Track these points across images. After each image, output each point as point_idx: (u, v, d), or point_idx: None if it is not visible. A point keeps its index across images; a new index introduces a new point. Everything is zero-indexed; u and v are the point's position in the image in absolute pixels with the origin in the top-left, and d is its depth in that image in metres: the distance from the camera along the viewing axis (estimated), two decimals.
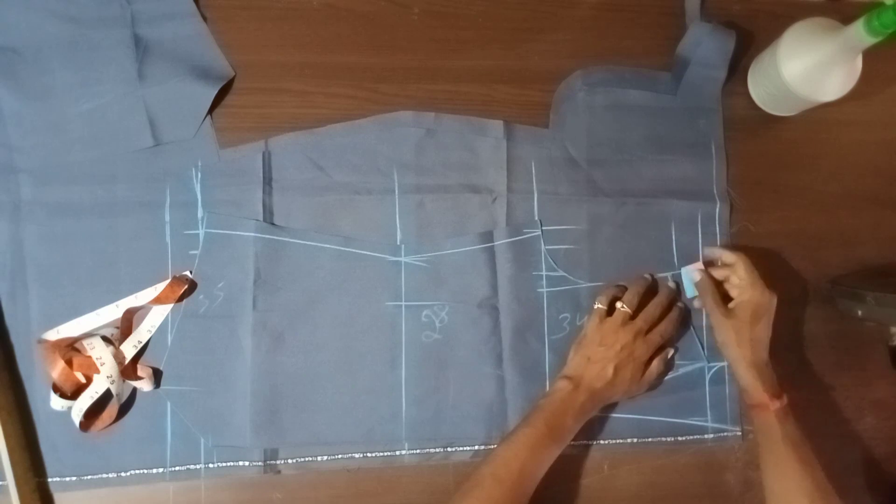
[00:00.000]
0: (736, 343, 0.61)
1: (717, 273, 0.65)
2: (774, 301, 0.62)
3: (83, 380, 0.60)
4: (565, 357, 0.64)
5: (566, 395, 0.60)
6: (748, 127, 0.71)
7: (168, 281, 0.62)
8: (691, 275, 0.66)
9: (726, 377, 0.67)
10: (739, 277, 0.63)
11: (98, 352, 0.59)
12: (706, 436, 0.67)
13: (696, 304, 0.67)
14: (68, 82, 0.62)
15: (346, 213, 0.65)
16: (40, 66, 0.62)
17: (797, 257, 0.70)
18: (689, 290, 0.67)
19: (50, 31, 0.63)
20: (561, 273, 0.66)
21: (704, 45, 0.66)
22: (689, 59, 0.67)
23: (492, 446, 0.64)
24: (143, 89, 0.62)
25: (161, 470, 0.61)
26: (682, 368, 0.67)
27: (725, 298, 0.64)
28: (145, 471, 0.61)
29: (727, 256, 0.65)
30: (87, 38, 0.63)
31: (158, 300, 0.61)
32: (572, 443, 0.65)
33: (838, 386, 0.70)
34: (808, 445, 0.59)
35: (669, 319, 0.64)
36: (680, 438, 0.67)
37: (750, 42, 0.70)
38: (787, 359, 0.69)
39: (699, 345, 0.68)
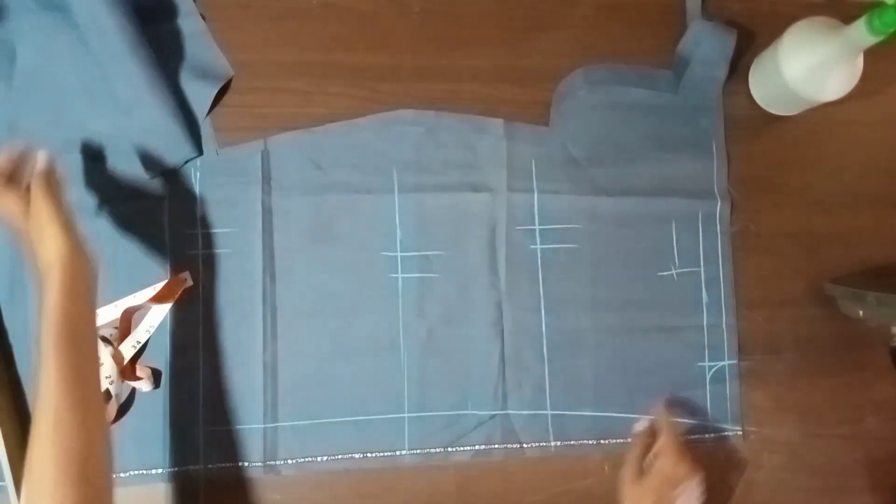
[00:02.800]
0: None
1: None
2: (691, 478, 0.57)
3: None
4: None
5: None
6: (749, 126, 0.70)
7: (167, 280, 0.61)
8: (636, 427, 0.64)
9: (726, 377, 0.67)
10: (659, 444, 0.60)
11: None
12: (706, 435, 0.67)
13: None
14: (67, 82, 0.62)
15: (345, 212, 0.65)
16: (41, 67, 0.62)
17: (798, 257, 0.70)
18: None
19: (52, 31, 0.62)
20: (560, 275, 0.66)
21: (705, 44, 0.66)
22: (689, 57, 0.67)
23: (494, 446, 0.64)
24: (141, 89, 0.62)
25: (160, 470, 0.61)
26: (683, 368, 0.67)
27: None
28: (144, 471, 0.61)
29: (660, 423, 0.61)
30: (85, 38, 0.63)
31: (157, 299, 0.61)
32: (573, 442, 0.65)
33: (839, 386, 0.70)
34: None
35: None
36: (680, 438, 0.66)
37: (751, 41, 0.70)
38: (788, 359, 0.69)
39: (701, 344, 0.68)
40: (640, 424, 0.63)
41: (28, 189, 0.50)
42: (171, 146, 0.61)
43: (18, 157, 0.51)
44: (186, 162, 0.63)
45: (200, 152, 0.62)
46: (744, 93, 0.71)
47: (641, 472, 0.59)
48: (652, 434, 0.62)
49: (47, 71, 0.62)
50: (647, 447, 0.61)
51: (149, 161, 0.62)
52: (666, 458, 0.59)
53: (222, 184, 0.63)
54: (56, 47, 0.62)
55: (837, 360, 0.70)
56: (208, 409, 0.62)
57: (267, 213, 0.64)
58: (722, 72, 0.67)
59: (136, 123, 0.61)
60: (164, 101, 0.61)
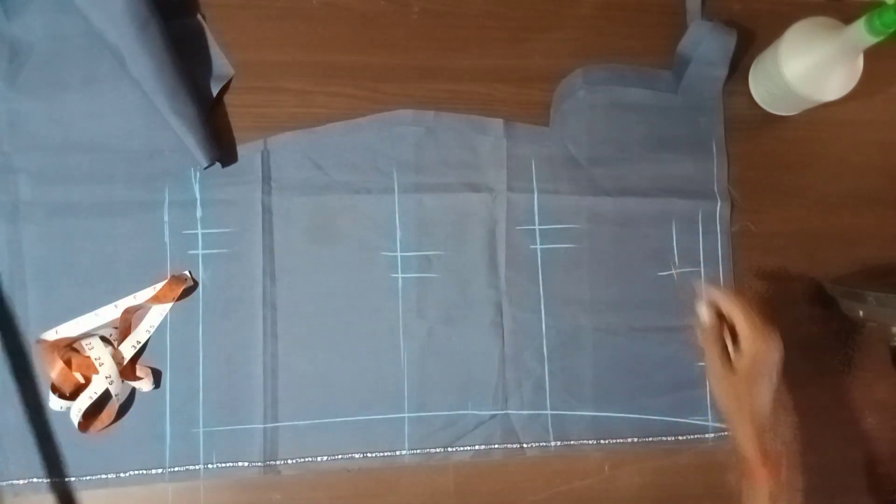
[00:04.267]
0: (736, 405, 0.55)
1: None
2: (777, 350, 0.54)
3: (82, 380, 0.59)
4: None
5: None
6: (749, 126, 0.70)
7: (167, 280, 0.61)
8: (701, 314, 0.58)
9: None
10: (738, 327, 0.55)
11: (97, 352, 0.59)
12: (707, 435, 0.67)
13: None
14: (68, 81, 0.62)
15: (345, 212, 0.65)
16: (42, 66, 0.62)
17: (798, 257, 0.70)
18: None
19: (55, 31, 0.62)
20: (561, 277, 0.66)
21: (705, 44, 0.66)
22: (689, 57, 0.67)
23: (494, 446, 0.64)
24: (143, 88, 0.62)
25: (160, 470, 0.61)
26: (683, 368, 0.67)
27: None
28: (144, 471, 0.61)
29: (724, 304, 0.56)
30: (88, 37, 0.62)
31: (157, 299, 0.61)
32: (573, 442, 0.65)
33: (839, 386, 0.70)
34: None
35: None
36: (681, 438, 0.67)
37: (751, 41, 0.70)
38: (788, 359, 0.69)
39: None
40: (703, 311, 0.57)
41: None
42: (197, 145, 0.61)
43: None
44: (210, 165, 0.62)
45: (218, 153, 0.62)
46: (744, 93, 0.71)
47: (727, 361, 0.55)
48: (718, 316, 0.57)
49: (54, 68, 0.62)
50: (720, 333, 0.56)
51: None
52: (750, 339, 0.54)
53: (222, 184, 0.63)
54: (67, 44, 0.62)
55: (837, 360, 0.70)
56: (208, 408, 0.62)
57: (267, 212, 0.64)
58: (722, 72, 0.67)
59: (155, 123, 0.61)
60: (188, 100, 0.60)
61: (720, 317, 0.57)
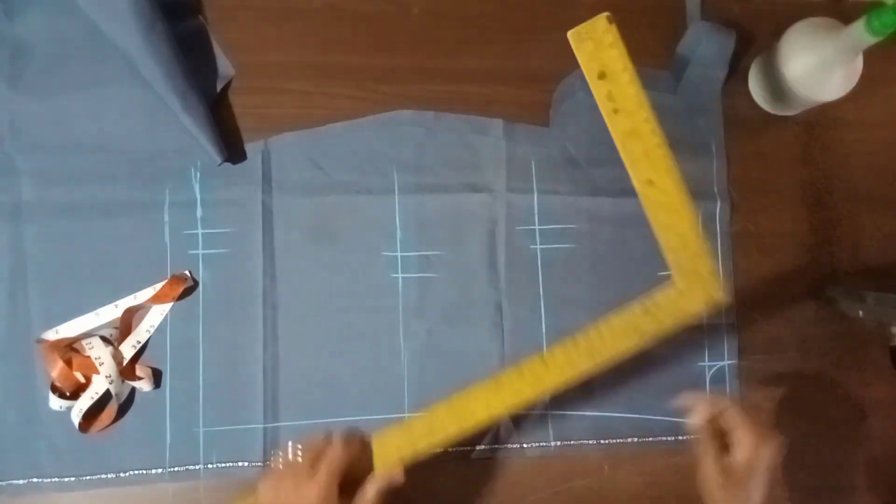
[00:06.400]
0: None
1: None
2: (774, 450, 0.50)
3: (82, 380, 0.60)
4: None
5: None
6: (749, 126, 0.70)
7: (167, 280, 0.61)
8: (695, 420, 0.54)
9: (727, 377, 0.67)
10: (737, 433, 0.51)
11: (97, 352, 0.59)
12: None
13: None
14: (69, 82, 0.62)
15: (345, 212, 0.65)
16: (43, 67, 0.62)
17: (797, 257, 0.70)
18: None
19: (57, 32, 0.62)
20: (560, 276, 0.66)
21: (704, 45, 0.66)
22: (689, 58, 0.67)
23: (494, 446, 0.64)
24: (144, 89, 0.62)
25: (160, 470, 0.61)
26: (683, 368, 0.67)
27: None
28: (144, 471, 0.61)
29: (716, 405, 0.53)
30: (89, 38, 0.63)
31: (157, 299, 0.61)
32: (573, 442, 0.65)
33: (839, 386, 0.70)
34: None
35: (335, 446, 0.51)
36: (681, 438, 0.67)
37: (751, 41, 0.70)
38: (788, 359, 0.69)
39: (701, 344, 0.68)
40: (695, 418, 0.54)
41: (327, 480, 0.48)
42: (210, 143, 0.61)
43: (321, 446, 0.51)
44: (224, 161, 0.62)
45: (225, 152, 0.62)
46: (744, 93, 0.71)
47: (725, 470, 0.51)
48: (712, 420, 0.53)
49: (56, 70, 0.62)
50: (717, 436, 0.52)
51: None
52: (747, 445, 0.50)
53: (223, 184, 0.63)
54: (68, 45, 0.62)
55: (836, 359, 0.70)
56: (208, 408, 0.62)
57: (267, 213, 0.64)
58: (721, 72, 0.67)
59: (157, 124, 0.62)
60: (198, 99, 0.60)
61: (715, 423, 0.53)
